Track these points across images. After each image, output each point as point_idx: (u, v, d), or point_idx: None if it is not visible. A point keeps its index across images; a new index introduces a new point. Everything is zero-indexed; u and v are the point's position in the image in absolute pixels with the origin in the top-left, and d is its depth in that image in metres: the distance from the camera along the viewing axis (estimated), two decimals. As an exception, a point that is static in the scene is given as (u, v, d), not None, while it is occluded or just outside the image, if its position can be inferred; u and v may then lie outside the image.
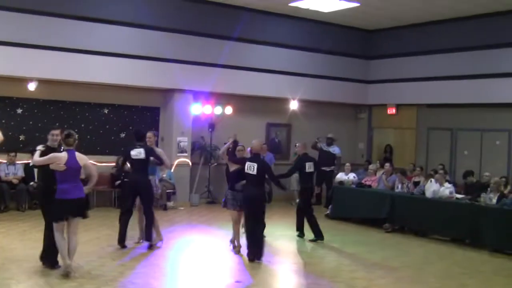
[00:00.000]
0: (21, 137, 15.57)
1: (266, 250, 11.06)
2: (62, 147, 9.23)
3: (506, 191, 13.59)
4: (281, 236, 13.22)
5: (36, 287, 8.44)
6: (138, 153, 11.23)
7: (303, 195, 13.12)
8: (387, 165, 16.33)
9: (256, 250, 10.77)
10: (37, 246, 10.85)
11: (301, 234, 13.09)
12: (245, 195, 10.84)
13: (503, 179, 14.48)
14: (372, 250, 12.42)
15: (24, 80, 15.23)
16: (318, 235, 12.74)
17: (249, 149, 11.72)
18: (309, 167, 12.82)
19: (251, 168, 10.73)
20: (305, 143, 13.65)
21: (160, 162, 11.68)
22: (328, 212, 16.11)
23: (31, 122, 15.77)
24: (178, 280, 9.47)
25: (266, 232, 11.55)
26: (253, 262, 10.57)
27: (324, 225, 14.12)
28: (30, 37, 14.58)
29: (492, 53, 16.88)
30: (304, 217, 12.98)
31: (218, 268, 10.36)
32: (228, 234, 12.25)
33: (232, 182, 11.18)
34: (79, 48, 15.22)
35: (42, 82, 15.39)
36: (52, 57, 14.84)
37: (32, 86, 15.34)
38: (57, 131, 9.45)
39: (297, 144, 13.58)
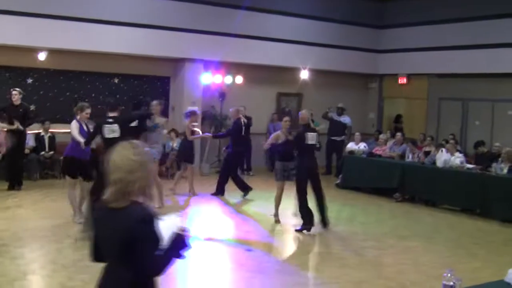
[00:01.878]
0: (32, 107, 15.59)
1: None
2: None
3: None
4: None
5: (48, 256, 8.53)
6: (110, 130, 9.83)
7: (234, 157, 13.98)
8: (398, 134, 16.30)
9: (325, 217, 11.04)
10: (49, 215, 11.00)
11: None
12: (309, 166, 10.90)
13: (514, 149, 14.42)
14: (382, 220, 12.46)
15: (34, 50, 15.21)
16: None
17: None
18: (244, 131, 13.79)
19: (312, 138, 10.83)
20: (237, 109, 14.28)
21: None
22: (338, 181, 16.13)
23: (41, 92, 15.79)
24: (188, 250, 9.51)
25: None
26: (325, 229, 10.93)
27: (334, 194, 14.20)
28: (40, 7, 14.51)
29: (504, 23, 16.69)
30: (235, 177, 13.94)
31: (229, 237, 10.42)
32: (238, 203, 12.31)
33: (283, 153, 11.19)
34: (89, 18, 15.13)
35: (52, 52, 15.37)
36: (62, 26, 14.78)
37: (42, 56, 15.34)
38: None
39: (230, 110, 14.52)
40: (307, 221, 10.78)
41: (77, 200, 10.56)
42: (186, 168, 14.07)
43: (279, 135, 11.32)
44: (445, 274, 4.33)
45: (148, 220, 3.37)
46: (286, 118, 11.60)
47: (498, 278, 5.11)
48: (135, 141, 3.59)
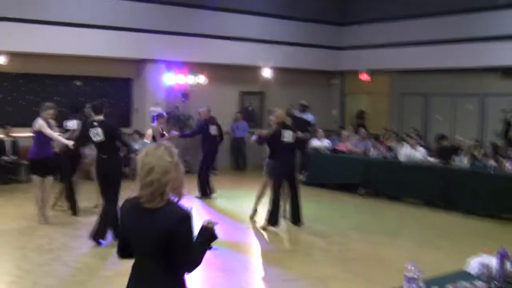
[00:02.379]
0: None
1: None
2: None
3: (478, 154, 13.75)
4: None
5: (13, 261, 8.44)
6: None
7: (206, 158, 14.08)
8: (362, 130, 16.41)
9: (299, 214, 11.12)
10: (12, 220, 10.89)
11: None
12: (287, 163, 11.00)
13: (475, 142, 14.64)
14: (347, 215, 12.57)
15: (-6, 54, 15.04)
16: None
17: None
18: (213, 130, 13.76)
19: (289, 136, 10.93)
20: (208, 108, 14.19)
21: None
22: (303, 178, 16.19)
23: (1, 96, 15.59)
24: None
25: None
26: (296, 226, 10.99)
27: (300, 191, 14.24)
28: (-1, 10, 14.38)
29: (464, 19, 16.94)
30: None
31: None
32: (202, 203, 12.35)
33: (274, 151, 11.23)
34: (50, 20, 14.99)
35: (12, 55, 15.16)
36: (22, 29, 14.62)
37: (1, 60, 15.13)
38: None
39: (200, 110, 14.45)
40: (273, 219, 10.85)
41: (41, 202, 10.62)
42: None
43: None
44: (407, 267, 4.39)
45: (187, 218, 3.61)
46: (272, 117, 11.87)
47: (460, 269, 5.21)
48: (166, 143, 3.75)
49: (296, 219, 11.10)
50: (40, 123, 10.38)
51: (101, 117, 9.59)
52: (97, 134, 9.44)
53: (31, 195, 11.22)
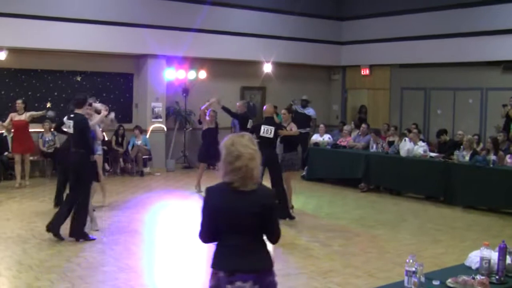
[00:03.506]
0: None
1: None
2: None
3: (478, 149, 13.76)
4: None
5: (14, 257, 8.45)
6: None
7: None
8: (363, 125, 16.41)
9: (286, 209, 11.28)
10: (13, 216, 10.92)
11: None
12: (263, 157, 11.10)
13: (476, 136, 14.64)
14: (348, 210, 12.58)
15: (-6, 49, 15.04)
16: None
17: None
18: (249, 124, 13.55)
19: (268, 131, 11.11)
20: (245, 102, 14.63)
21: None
22: (304, 173, 16.22)
23: (2, 92, 15.58)
24: (157, 245, 9.54)
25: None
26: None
27: (300, 186, 14.28)
28: (-1, 5, 14.37)
29: (464, 12, 16.91)
30: None
31: (196, 231, 10.42)
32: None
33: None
34: (50, 16, 14.98)
35: (12, 51, 15.18)
36: (22, 25, 14.60)
37: (2, 55, 15.12)
38: None
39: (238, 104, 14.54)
40: None
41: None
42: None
43: None
44: (407, 260, 4.40)
45: (274, 197, 4.34)
46: (284, 111, 12.37)
47: (460, 263, 5.22)
48: (247, 133, 4.17)
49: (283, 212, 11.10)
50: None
51: (79, 111, 9.55)
52: (69, 126, 9.50)
53: (33, 192, 11.19)
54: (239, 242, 4.05)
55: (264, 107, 11.93)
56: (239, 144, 4.00)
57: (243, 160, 3.95)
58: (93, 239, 9.33)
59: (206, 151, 13.88)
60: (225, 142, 4.06)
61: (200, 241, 4.27)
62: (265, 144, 11.05)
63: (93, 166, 9.87)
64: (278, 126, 11.44)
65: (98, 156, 10.88)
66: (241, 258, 4.05)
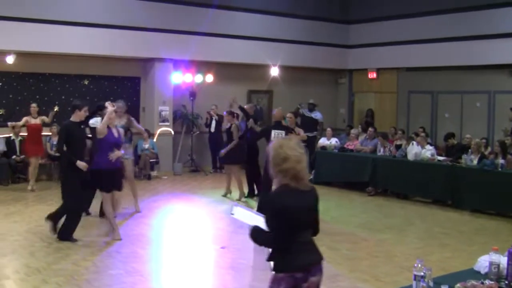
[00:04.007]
0: (1, 111, 15.43)
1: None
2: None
3: (486, 152, 13.71)
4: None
5: (21, 260, 8.46)
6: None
7: None
8: (371, 129, 16.37)
9: None
10: (20, 219, 10.94)
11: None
12: None
13: (484, 140, 14.61)
14: (355, 214, 12.56)
15: (1, 53, 15.03)
16: None
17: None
18: None
19: (279, 135, 11.09)
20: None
21: None
22: (311, 177, 16.19)
23: (10, 96, 15.63)
24: (163, 249, 9.54)
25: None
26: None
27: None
28: (6, 10, 14.36)
29: (471, 15, 16.87)
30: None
31: (203, 235, 10.45)
32: (211, 202, 12.34)
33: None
34: (57, 20, 15.00)
35: (20, 55, 15.22)
36: (30, 29, 14.63)
37: (10, 59, 15.17)
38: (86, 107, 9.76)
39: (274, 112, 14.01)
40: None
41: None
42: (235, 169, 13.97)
43: None
44: (415, 265, 4.39)
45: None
46: (290, 115, 12.29)
47: (468, 267, 5.20)
48: (295, 136, 4.27)
49: None
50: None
51: (75, 118, 9.63)
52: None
53: (40, 195, 11.19)
54: (307, 238, 4.35)
55: (273, 112, 12.01)
56: (286, 147, 4.21)
57: (290, 162, 4.16)
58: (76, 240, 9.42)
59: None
60: (273, 144, 4.31)
61: (271, 247, 4.35)
62: None
63: (99, 174, 9.37)
64: (288, 130, 11.45)
65: (126, 160, 11.00)
66: (311, 252, 4.37)
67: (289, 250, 4.24)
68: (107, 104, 9.62)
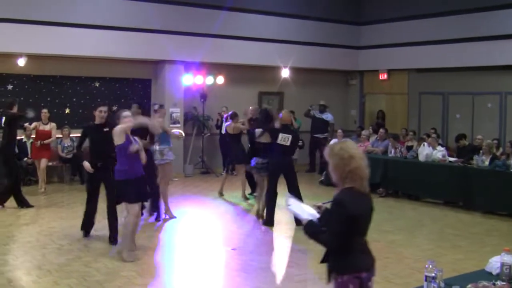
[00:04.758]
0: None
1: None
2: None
3: (498, 153, 13.65)
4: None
5: (33, 261, 8.50)
6: None
7: None
8: (382, 130, 16.34)
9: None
10: (32, 221, 10.97)
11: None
12: (278, 163, 11.21)
13: (495, 141, 14.55)
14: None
15: (13, 56, 15.10)
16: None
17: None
18: None
19: (285, 139, 11.06)
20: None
21: None
22: (322, 178, 16.17)
23: (22, 98, 15.67)
24: (175, 250, 9.55)
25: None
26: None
27: (319, 191, 14.24)
28: (17, 12, 14.41)
29: (482, 16, 16.79)
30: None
31: (214, 237, 10.46)
32: (222, 204, 12.38)
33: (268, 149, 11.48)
34: (68, 22, 15.05)
35: (31, 57, 15.28)
36: (41, 31, 14.69)
37: (21, 62, 15.22)
38: (105, 108, 9.69)
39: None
40: (269, 218, 11.19)
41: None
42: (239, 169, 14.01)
43: None
44: (427, 265, 4.38)
45: None
46: (286, 110, 12.26)
47: (479, 268, 5.18)
48: (348, 139, 4.43)
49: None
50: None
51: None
52: None
53: (51, 197, 11.21)
54: (365, 239, 4.32)
55: (280, 114, 11.72)
56: (347, 147, 4.24)
57: (357, 160, 4.19)
58: None
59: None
60: (332, 150, 4.30)
61: (327, 247, 4.29)
62: (282, 152, 11.07)
63: (125, 185, 8.57)
64: (295, 136, 11.39)
65: (168, 164, 11.33)
66: (369, 253, 4.32)
67: (351, 251, 4.21)
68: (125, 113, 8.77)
